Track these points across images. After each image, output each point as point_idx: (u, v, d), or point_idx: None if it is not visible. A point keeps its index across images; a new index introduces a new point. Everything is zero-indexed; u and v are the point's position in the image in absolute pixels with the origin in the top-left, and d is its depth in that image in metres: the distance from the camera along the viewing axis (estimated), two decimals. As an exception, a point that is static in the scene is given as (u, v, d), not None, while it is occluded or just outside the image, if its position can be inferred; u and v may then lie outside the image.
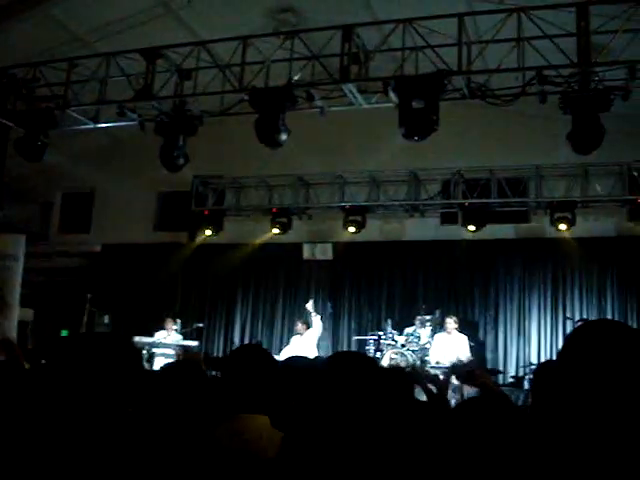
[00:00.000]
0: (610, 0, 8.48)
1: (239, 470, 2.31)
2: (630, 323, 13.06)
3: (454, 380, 11.14)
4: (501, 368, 13.58)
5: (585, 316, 13.25)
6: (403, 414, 3.16)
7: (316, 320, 12.85)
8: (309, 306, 12.96)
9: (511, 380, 13.26)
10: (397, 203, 14.06)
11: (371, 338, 13.15)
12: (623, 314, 13.25)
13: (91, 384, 2.29)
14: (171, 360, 10.72)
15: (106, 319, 14.13)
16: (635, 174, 12.61)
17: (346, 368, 2.49)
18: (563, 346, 1.73)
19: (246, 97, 9.62)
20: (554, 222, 12.79)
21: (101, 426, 2.25)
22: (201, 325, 13.65)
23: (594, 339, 1.70)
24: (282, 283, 15.29)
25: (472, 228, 13.18)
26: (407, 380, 3.43)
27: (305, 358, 4.65)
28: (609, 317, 13.21)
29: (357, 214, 13.83)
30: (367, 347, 13.11)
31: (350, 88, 9.44)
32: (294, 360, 4.21)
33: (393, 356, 12.40)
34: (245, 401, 2.69)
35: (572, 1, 8.44)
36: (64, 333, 14.44)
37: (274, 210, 14.32)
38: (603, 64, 8.59)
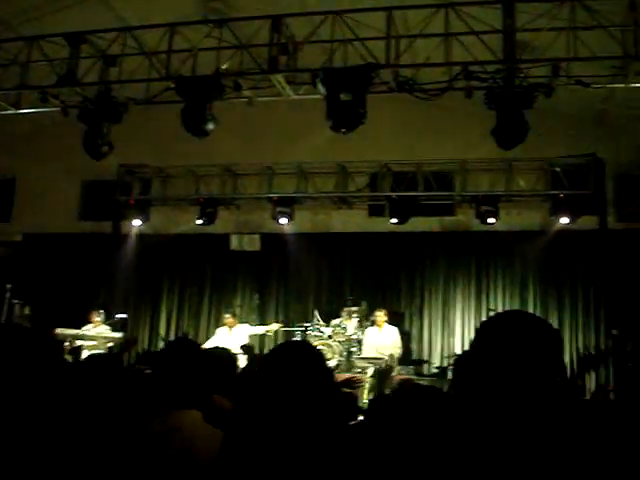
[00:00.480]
0: (536, -1, 8.65)
1: (175, 466, 2.27)
2: (551, 314, 13.43)
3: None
4: (426, 358, 13.79)
5: (508, 308, 13.54)
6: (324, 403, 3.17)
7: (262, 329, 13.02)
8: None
9: (435, 370, 13.47)
10: (325, 195, 14.08)
11: (298, 329, 13.16)
12: (544, 306, 13.59)
13: (6, 376, 2.22)
14: (97, 351, 10.58)
15: (27, 310, 13.75)
16: (557, 170, 12.91)
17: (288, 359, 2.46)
18: (474, 337, 1.79)
19: (173, 85, 9.48)
20: (478, 215, 13.02)
21: (17, 418, 2.19)
22: (125, 316, 13.41)
23: (501, 329, 1.75)
24: (209, 274, 15.16)
25: (399, 221, 13.29)
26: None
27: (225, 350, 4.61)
28: (531, 309, 13.55)
29: (285, 205, 13.79)
30: (294, 338, 13.11)
31: (278, 79, 9.41)
32: (217, 352, 4.18)
33: (320, 347, 12.42)
34: (177, 396, 2.64)
35: (499, -1, 8.60)
36: (-17, 324, 14.02)
37: (201, 200, 14.14)
38: (528, 61, 8.76)
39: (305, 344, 2.64)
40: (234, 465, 2.14)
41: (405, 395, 2.95)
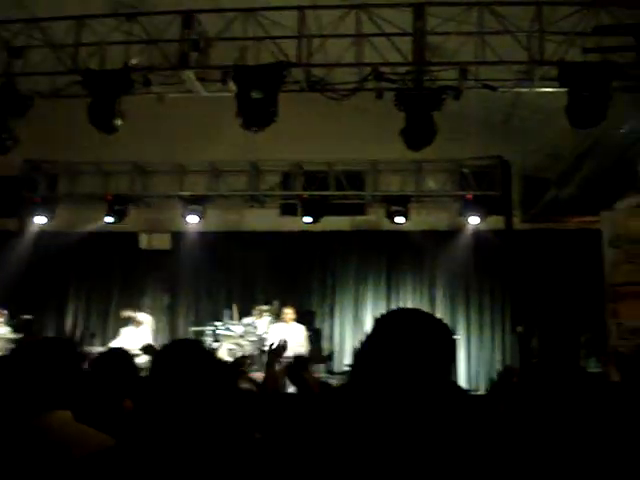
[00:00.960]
0: (446, 3, 8.78)
1: (43, 467, 2.20)
2: (459, 312, 13.75)
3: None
4: (337, 357, 13.87)
5: (417, 306, 13.74)
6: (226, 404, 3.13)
7: (143, 318, 12.61)
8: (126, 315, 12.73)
9: (346, 368, 13.56)
10: (237, 193, 14.00)
11: (209, 329, 13.03)
12: (453, 304, 13.91)
13: None
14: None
15: None
16: (466, 171, 13.20)
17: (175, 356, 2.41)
18: (369, 332, 1.81)
19: (80, 79, 9.24)
20: (389, 215, 13.19)
21: None
22: (30, 317, 13.01)
23: (393, 325, 1.77)
24: (117, 273, 14.86)
25: (311, 220, 13.33)
26: (232, 369, 3.41)
27: (120, 350, 4.52)
28: (439, 307, 13.85)
29: (196, 203, 13.64)
30: (205, 338, 12.99)
31: (189, 75, 9.27)
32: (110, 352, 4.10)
33: (231, 347, 12.35)
34: (45, 398, 2.56)
35: (409, 2, 8.71)
36: None
37: (110, 197, 13.83)
38: (437, 64, 8.91)
39: (194, 342, 2.60)
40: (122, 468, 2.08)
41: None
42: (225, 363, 3.61)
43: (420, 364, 1.67)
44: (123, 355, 3.89)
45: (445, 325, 1.81)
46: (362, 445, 1.64)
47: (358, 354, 1.78)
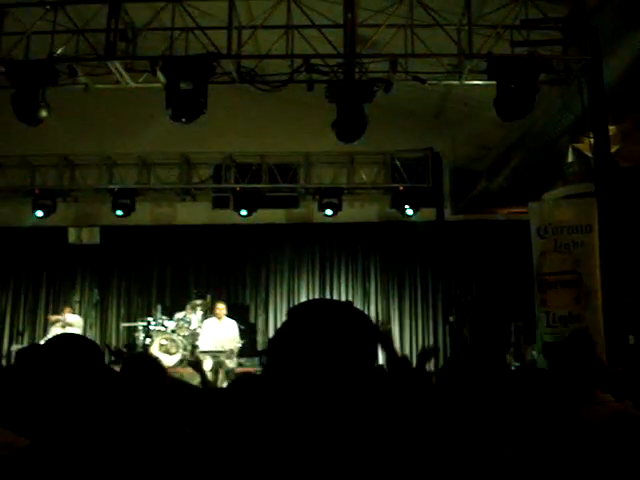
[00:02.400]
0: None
1: None
2: (392, 304, 13.88)
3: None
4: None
5: (350, 298, 13.84)
6: (152, 397, 3.09)
7: (72, 319, 12.42)
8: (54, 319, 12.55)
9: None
10: (168, 187, 13.82)
11: (140, 324, 12.88)
12: (385, 295, 14.05)
13: None
14: None
15: None
16: (397, 163, 13.29)
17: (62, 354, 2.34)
18: (283, 323, 1.80)
19: (3, 69, 8.96)
20: (321, 207, 13.20)
21: None
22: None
23: (305, 315, 1.78)
24: (45, 269, 14.52)
25: (243, 213, 13.25)
26: (155, 363, 3.37)
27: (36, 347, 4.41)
28: (372, 299, 13.96)
29: (126, 197, 13.39)
30: (136, 333, 12.84)
31: (116, 66, 9.06)
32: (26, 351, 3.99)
33: (163, 342, 12.24)
34: None
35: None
36: None
37: (37, 191, 13.48)
38: (367, 56, 8.91)
39: (77, 336, 2.54)
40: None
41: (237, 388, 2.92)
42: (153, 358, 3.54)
43: (334, 354, 1.66)
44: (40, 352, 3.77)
45: (361, 312, 1.81)
46: (276, 435, 1.62)
47: (271, 345, 1.76)
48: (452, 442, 2.14)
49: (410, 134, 13.06)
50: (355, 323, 1.73)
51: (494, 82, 8.25)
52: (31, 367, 2.99)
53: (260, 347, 13.82)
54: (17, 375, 3.29)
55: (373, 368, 1.75)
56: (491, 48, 8.39)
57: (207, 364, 11.32)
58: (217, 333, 12.02)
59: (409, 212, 13.19)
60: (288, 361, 1.67)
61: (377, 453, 1.59)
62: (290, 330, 1.73)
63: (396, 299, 14.05)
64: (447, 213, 13.55)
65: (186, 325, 12.49)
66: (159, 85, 8.81)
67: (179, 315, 12.69)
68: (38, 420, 2.17)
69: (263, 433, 1.63)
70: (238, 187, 13.37)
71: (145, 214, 13.97)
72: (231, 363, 11.44)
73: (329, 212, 13.11)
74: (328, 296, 14.02)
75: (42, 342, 11.86)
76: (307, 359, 1.64)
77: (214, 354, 11.38)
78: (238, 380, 4.61)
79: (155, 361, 3.37)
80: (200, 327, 12.41)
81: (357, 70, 8.97)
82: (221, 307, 12.27)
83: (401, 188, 13.23)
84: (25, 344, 13.08)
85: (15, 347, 12.65)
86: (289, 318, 1.76)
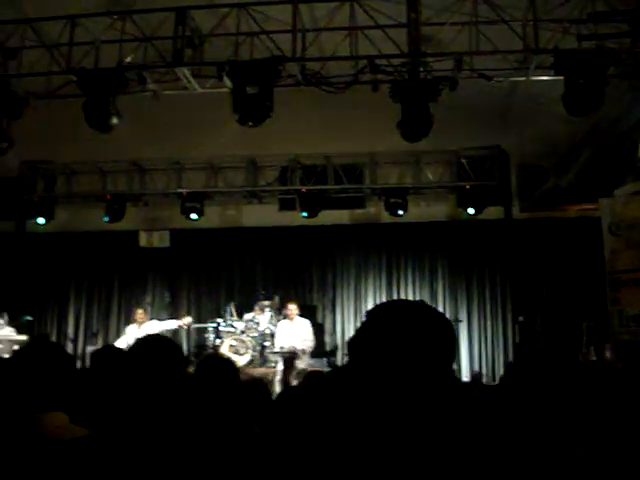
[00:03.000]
0: (438, -7, 8.75)
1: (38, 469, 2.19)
2: (460, 304, 13.75)
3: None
4: (339, 351, 13.88)
5: (418, 297, 13.77)
6: (225, 398, 3.13)
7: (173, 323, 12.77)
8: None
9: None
10: (235, 189, 14.00)
11: (210, 325, 13.06)
12: (453, 295, 13.91)
13: None
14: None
15: None
16: (463, 161, 13.18)
17: (148, 354, 2.40)
18: (362, 323, 1.80)
19: (74, 78, 9.22)
20: (388, 208, 13.17)
21: None
22: (30, 318, 13.02)
23: (383, 317, 1.77)
24: (117, 272, 14.85)
25: (309, 214, 13.32)
26: (228, 364, 3.42)
27: (112, 348, 4.52)
28: (440, 299, 13.86)
29: (195, 200, 13.62)
30: (206, 335, 13.02)
31: (184, 72, 9.25)
32: (103, 352, 4.09)
33: (232, 343, 12.38)
34: (40, 400, 2.55)
35: (402, -7, 8.68)
36: None
37: (108, 197, 13.83)
38: (432, 55, 8.88)
39: (162, 338, 2.59)
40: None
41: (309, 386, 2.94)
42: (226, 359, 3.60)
43: (415, 355, 1.66)
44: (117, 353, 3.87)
45: (441, 314, 1.80)
46: (355, 439, 1.63)
47: (351, 346, 1.77)
48: (526, 442, 2.13)
49: (476, 132, 12.91)
50: (435, 325, 1.73)
51: (562, 77, 8.13)
52: (109, 368, 3.08)
53: (328, 348, 13.87)
54: (94, 376, 3.38)
55: (451, 370, 1.75)
56: (558, 43, 8.27)
57: (279, 365, 11.47)
58: (290, 334, 12.13)
59: (476, 211, 13.06)
60: (368, 362, 1.68)
61: (454, 453, 1.60)
62: (370, 331, 1.73)
63: (464, 299, 13.90)
64: (515, 211, 13.37)
65: (255, 326, 12.62)
66: (226, 90, 8.95)
67: (248, 316, 12.83)
68: (113, 418, 2.24)
69: (341, 433, 1.65)
70: (304, 189, 13.44)
71: (213, 217, 14.18)
72: (302, 363, 11.53)
73: (400, 212, 13.06)
74: (395, 296, 13.98)
75: (116, 343, 12.17)
76: (388, 360, 1.65)
77: (285, 354, 11.50)
78: (308, 379, 4.65)
79: (228, 362, 3.43)
80: (268, 328, 12.53)
81: (422, 69, 8.95)
82: (292, 307, 12.36)
83: (467, 187, 13.11)
84: (99, 346, 13.41)
85: (90, 349, 12.96)
86: (368, 319, 1.77)
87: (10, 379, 2.56)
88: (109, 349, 4.36)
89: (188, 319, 13.02)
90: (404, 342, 1.66)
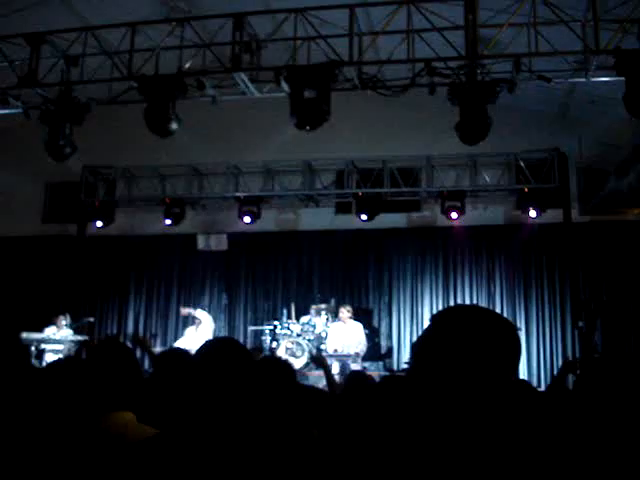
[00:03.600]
0: (496, -6, 8.69)
1: (106, 467, 2.25)
2: (518, 308, 13.56)
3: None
4: (395, 354, 13.83)
5: (475, 302, 13.65)
6: (284, 400, 3.16)
7: (201, 315, 12.79)
8: (185, 312, 12.94)
9: (405, 366, 13.51)
10: (292, 193, 14.09)
11: (267, 328, 13.15)
12: (511, 299, 13.72)
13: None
14: (61, 356, 10.49)
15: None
16: (522, 164, 13.02)
17: (216, 356, 2.44)
18: (427, 328, 1.79)
19: (135, 85, 9.40)
20: (444, 211, 13.10)
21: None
22: (92, 319, 13.29)
23: (455, 321, 1.77)
24: (176, 274, 15.06)
25: (366, 217, 13.32)
26: (286, 366, 3.44)
27: (178, 350, 4.59)
28: (497, 303, 13.69)
29: (252, 204, 13.78)
30: (263, 337, 13.12)
31: (242, 77, 9.36)
32: (168, 354, 4.16)
33: (289, 345, 12.44)
34: (108, 399, 2.62)
35: (460, -5, 8.64)
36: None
37: (167, 200, 14.08)
38: (489, 57, 8.82)
39: (231, 340, 2.62)
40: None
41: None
42: (284, 362, 3.63)
43: (482, 362, 1.65)
44: (183, 355, 3.94)
45: (507, 321, 1.79)
46: (423, 443, 1.64)
47: (416, 352, 1.77)
48: (594, 452, 2.10)
49: (534, 134, 12.78)
50: (501, 330, 1.72)
51: (623, 78, 7.98)
52: (175, 369, 3.14)
53: (383, 351, 13.85)
54: (160, 377, 3.44)
55: (515, 377, 1.74)
56: (619, 43, 8.13)
57: (334, 367, 11.46)
58: (342, 336, 12.15)
59: (535, 214, 12.90)
60: (433, 368, 1.68)
61: (518, 460, 1.59)
62: (436, 336, 1.73)
63: (522, 303, 13.70)
64: (574, 214, 13.15)
65: (311, 329, 12.67)
66: (283, 94, 9.02)
67: (304, 319, 12.89)
68: (182, 419, 2.28)
69: (405, 438, 1.66)
70: (360, 192, 13.46)
71: (270, 220, 14.29)
72: (356, 366, 11.52)
73: (452, 215, 13.00)
74: (452, 300, 13.89)
75: (175, 345, 12.36)
76: (453, 366, 1.65)
77: (339, 357, 11.52)
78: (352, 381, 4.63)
79: (286, 364, 3.46)
80: (324, 331, 12.57)
81: (479, 71, 8.89)
82: (343, 310, 12.38)
83: (526, 189, 12.96)
84: (158, 347, 13.63)
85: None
86: (434, 324, 1.77)
87: (81, 378, 2.63)
88: (175, 351, 4.43)
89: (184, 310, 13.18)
90: (470, 348, 1.66)
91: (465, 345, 1.66)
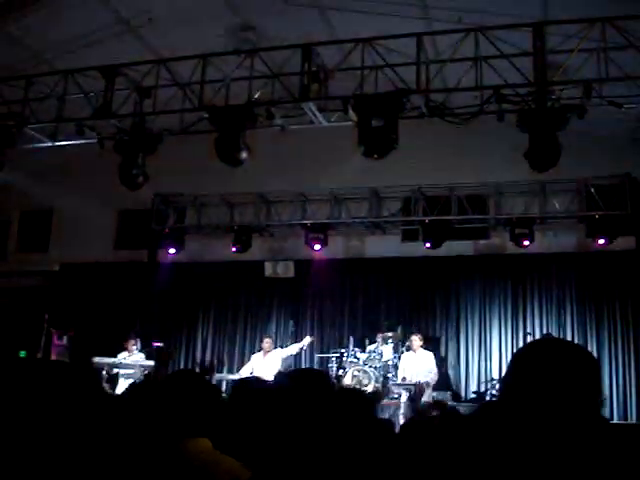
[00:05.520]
0: (566, 21, 8.61)
1: None
2: (590, 337, 13.26)
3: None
4: (463, 383, 13.65)
5: (545, 330, 13.40)
6: (363, 432, 3.15)
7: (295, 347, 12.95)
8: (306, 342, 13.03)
9: (473, 396, 13.33)
10: (358, 220, 14.12)
11: (333, 355, 13.13)
12: (582, 328, 13.42)
13: (45, 409, 2.26)
14: (133, 380, 10.65)
15: (65, 340, 13.90)
16: (593, 190, 12.80)
17: (302, 386, 2.47)
18: (509, 367, 1.80)
19: (206, 115, 9.60)
20: (513, 238, 12.94)
21: (59, 449, 2.22)
22: (161, 344, 13.49)
23: (537, 357, 1.77)
24: (243, 301, 15.19)
25: (433, 245, 13.24)
26: (367, 398, 3.43)
27: (257, 379, 4.62)
28: (569, 331, 13.40)
29: (319, 231, 13.84)
30: (330, 364, 13.09)
31: (310, 106, 9.48)
32: (246, 382, 4.18)
33: (355, 373, 12.39)
34: (184, 425, 2.66)
35: (529, 21, 8.60)
36: (22, 354, 14.20)
37: (235, 228, 14.27)
38: (559, 83, 8.74)
39: (318, 372, 2.64)
40: None
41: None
42: (360, 392, 3.64)
43: (568, 397, 1.65)
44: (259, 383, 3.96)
45: (590, 354, 1.78)
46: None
47: (504, 386, 1.78)
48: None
49: (605, 160, 12.55)
50: (585, 364, 1.72)
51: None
52: (251, 399, 3.18)
53: (452, 380, 13.67)
54: (235, 405, 3.47)
55: (598, 410, 1.73)
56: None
57: (402, 396, 11.39)
58: (413, 365, 12.08)
59: (606, 241, 12.63)
60: (521, 402, 1.68)
61: None
62: (522, 370, 1.74)
63: (594, 332, 13.37)
64: (646, 242, 12.84)
65: (378, 357, 12.59)
66: (350, 123, 9.08)
67: (371, 347, 12.83)
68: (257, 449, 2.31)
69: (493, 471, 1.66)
70: (427, 219, 13.40)
71: (337, 247, 14.32)
72: (426, 396, 11.43)
73: (521, 243, 12.83)
74: (521, 329, 13.66)
75: (241, 371, 12.44)
76: (540, 401, 1.65)
77: (408, 387, 11.44)
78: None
79: (362, 395, 3.45)
80: (391, 359, 12.49)
81: (549, 97, 8.80)
82: (415, 339, 12.33)
83: (597, 216, 12.70)
84: (225, 373, 13.75)
85: (217, 375, 13.26)
86: (518, 359, 1.77)
87: (159, 405, 2.69)
88: (252, 380, 4.46)
89: (307, 339, 13.10)
90: (555, 382, 1.65)
91: (550, 379, 1.66)
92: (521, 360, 1.77)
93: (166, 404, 2.69)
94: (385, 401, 11.96)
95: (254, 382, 3.95)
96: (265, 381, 4.09)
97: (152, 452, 2.54)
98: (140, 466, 2.47)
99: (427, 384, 11.67)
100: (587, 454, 1.61)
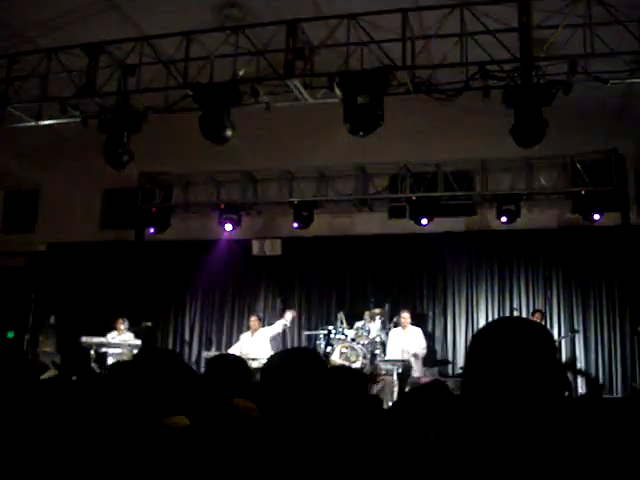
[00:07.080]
0: (551, -5, 8.58)
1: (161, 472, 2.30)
2: (575, 312, 13.35)
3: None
4: (450, 359, 13.74)
5: (532, 306, 13.48)
6: (357, 411, 3.17)
7: (279, 324, 12.95)
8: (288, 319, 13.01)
9: (460, 371, 13.41)
10: (345, 198, 14.11)
11: (321, 333, 13.17)
12: (568, 303, 13.51)
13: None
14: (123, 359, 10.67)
15: (52, 319, 13.89)
16: (579, 166, 12.83)
17: (295, 365, 2.48)
18: (469, 347, 1.83)
19: (191, 93, 9.54)
20: (500, 215, 12.97)
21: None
22: (149, 324, 13.49)
23: (494, 336, 1.80)
24: (231, 279, 15.19)
25: (421, 221, 13.26)
26: (360, 377, 3.45)
27: (232, 356, 4.63)
28: (554, 307, 13.49)
29: (305, 209, 13.83)
30: (317, 342, 13.14)
31: (295, 84, 9.43)
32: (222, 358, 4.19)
33: (343, 350, 12.44)
34: (162, 405, 2.66)
35: (514, -3, 8.58)
36: (10, 334, 14.20)
37: (222, 206, 14.25)
38: (545, 59, 8.72)
39: (309, 352, 2.65)
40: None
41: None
42: (354, 370, 3.65)
43: (522, 373, 1.67)
44: (237, 362, 3.97)
45: (544, 329, 1.82)
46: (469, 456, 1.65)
47: (465, 365, 1.80)
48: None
49: (591, 135, 12.55)
50: (547, 347, 1.74)
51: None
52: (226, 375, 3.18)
53: (439, 356, 13.76)
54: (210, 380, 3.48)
55: (562, 395, 1.76)
56: (678, 42, 7.98)
57: (393, 375, 11.45)
58: (402, 342, 12.15)
59: (593, 217, 12.68)
60: (480, 384, 1.71)
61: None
62: (479, 348, 1.76)
63: (580, 308, 13.47)
64: (633, 217, 12.89)
65: (365, 334, 12.65)
66: (336, 100, 9.05)
67: (358, 324, 12.88)
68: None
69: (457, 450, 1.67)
70: (414, 196, 13.41)
71: (323, 225, 14.30)
72: (416, 372, 11.52)
73: (508, 219, 12.87)
74: (507, 304, 13.74)
75: (230, 350, 12.48)
76: (500, 383, 1.67)
77: (399, 363, 11.51)
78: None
79: (357, 373, 3.45)
80: (379, 336, 12.55)
81: (534, 73, 8.79)
82: (405, 316, 12.40)
83: (583, 192, 12.74)
84: (213, 351, 13.77)
85: (205, 354, 13.31)
86: (477, 337, 1.80)
87: (135, 384, 2.69)
88: (227, 357, 4.47)
89: (289, 314, 13.09)
90: (509, 358, 1.68)
91: (506, 354, 1.69)
92: (476, 339, 1.80)
93: (140, 383, 2.69)
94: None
95: (230, 358, 3.96)
96: (239, 359, 4.09)
97: (129, 431, 2.54)
98: (117, 445, 2.47)
99: (416, 355, 11.76)
100: (541, 429, 1.64)
